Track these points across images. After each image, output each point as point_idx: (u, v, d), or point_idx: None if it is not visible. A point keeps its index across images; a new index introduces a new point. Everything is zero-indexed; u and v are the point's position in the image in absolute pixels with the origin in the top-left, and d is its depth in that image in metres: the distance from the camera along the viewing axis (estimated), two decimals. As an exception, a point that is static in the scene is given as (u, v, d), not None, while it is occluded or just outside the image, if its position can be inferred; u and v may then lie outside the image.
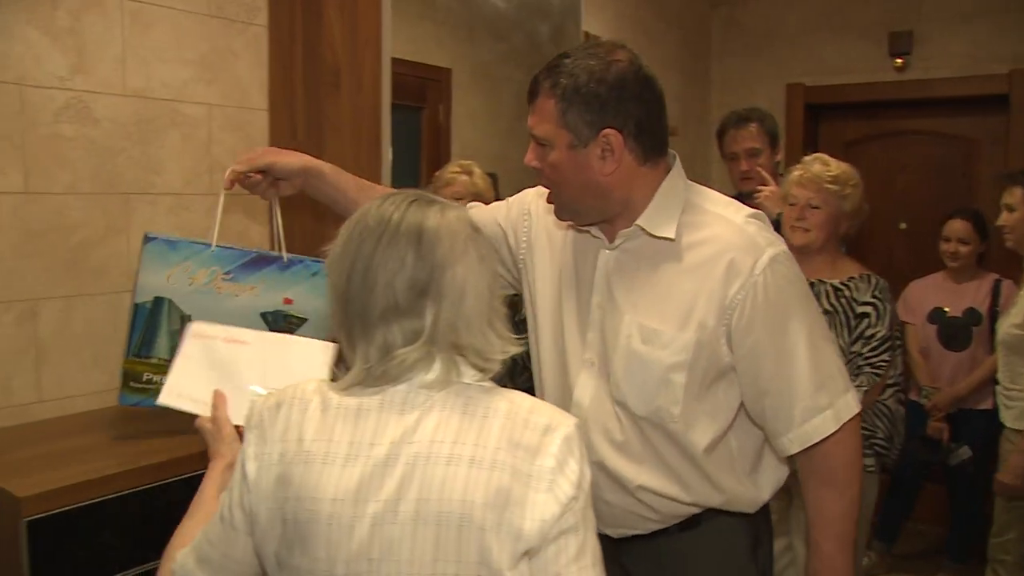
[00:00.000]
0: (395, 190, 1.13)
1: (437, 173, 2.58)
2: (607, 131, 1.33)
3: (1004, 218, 2.88)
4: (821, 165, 2.27)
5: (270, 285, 1.70)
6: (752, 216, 1.42)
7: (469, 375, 1.08)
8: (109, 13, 1.90)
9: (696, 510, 1.47)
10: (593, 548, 1.06)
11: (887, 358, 2.18)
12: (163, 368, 1.58)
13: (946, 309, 3.45)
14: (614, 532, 1.51)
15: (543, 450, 1.03)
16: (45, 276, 1.85)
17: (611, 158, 1.35)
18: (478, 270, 1.07)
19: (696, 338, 1.37)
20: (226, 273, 1.67)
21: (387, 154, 1.99)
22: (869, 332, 2.17)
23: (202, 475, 1.26)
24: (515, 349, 1.11)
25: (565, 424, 1.06)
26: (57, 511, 1.44)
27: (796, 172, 2.28)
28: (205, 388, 1.34)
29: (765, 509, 1.53)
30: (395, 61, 2.05)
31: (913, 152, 4.37)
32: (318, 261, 1.72)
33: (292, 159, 1.65)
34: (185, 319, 1.63)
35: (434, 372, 1.06)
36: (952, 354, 3.43)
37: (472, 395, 1.06)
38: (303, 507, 1.03)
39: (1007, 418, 2.87)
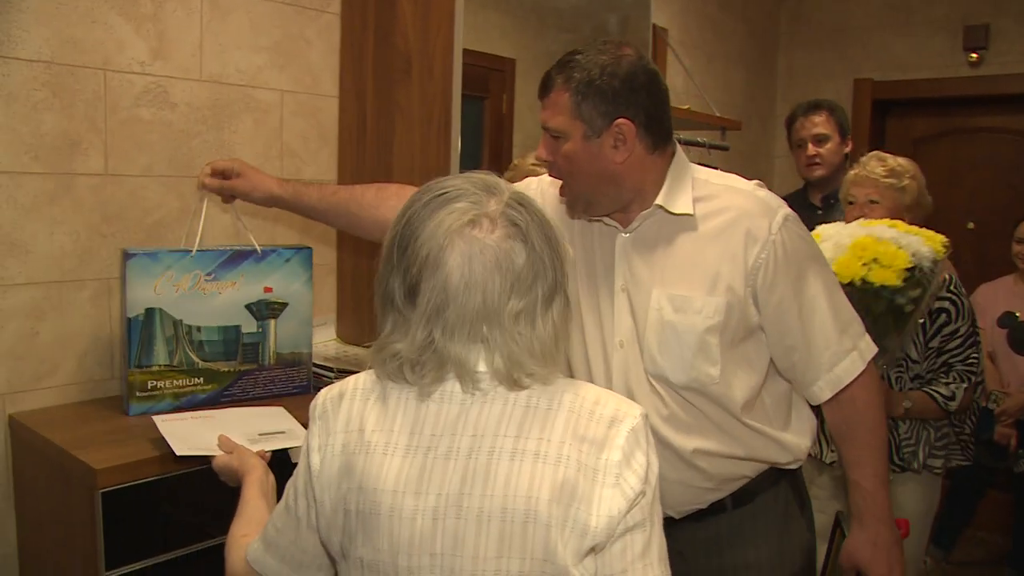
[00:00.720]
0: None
1: (517, 161, 2.58)
2: (620, 121, 1.40)
3: None
4: (877, 161, 2.25)
5: (250, 277, 1.82)
6: (757, 183, 1.51)
7: (530, 366, 1.04)
8: (190, 1, 1.95)
9: (749, 471, 1.53)
10: (659, 544, 1.05)
11: (976, 354, 2.13)
12: (165, 375, 1.74)
13: (1017, 313, 3.36)
14: (674, 512, 1.52)
15: (609, 443, 1.01)
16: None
17: (623, 147, 1.42)
18: (499, 286, 1.02)
19: (727, 300, 1.43)
20: (208, 274, 1.77)
21: (456, 143, 2.00)
22: (950, 329, 2.12)
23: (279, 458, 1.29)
24: (560, 353, 1.07)
25: (632, 415, 1.04)
26: (130, 484, 1.48)
27: (853, 172, 2.27)
28: (203, 440, 1.49)
29: (799, 469, 1.61)
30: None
31: (984, 150, 4.25)
32: (288, 248, 1.89)
33: (258, 192, 1.74)
34: (177, 324, 1.74)
35: (494, 363, 1.03)
36: (1022, 359, 3.34)
37: (535, 387, 1.04)
38: (365, 498, 1.03)
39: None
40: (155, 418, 1.60)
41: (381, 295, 1.07)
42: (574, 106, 1.40)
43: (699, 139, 3.09)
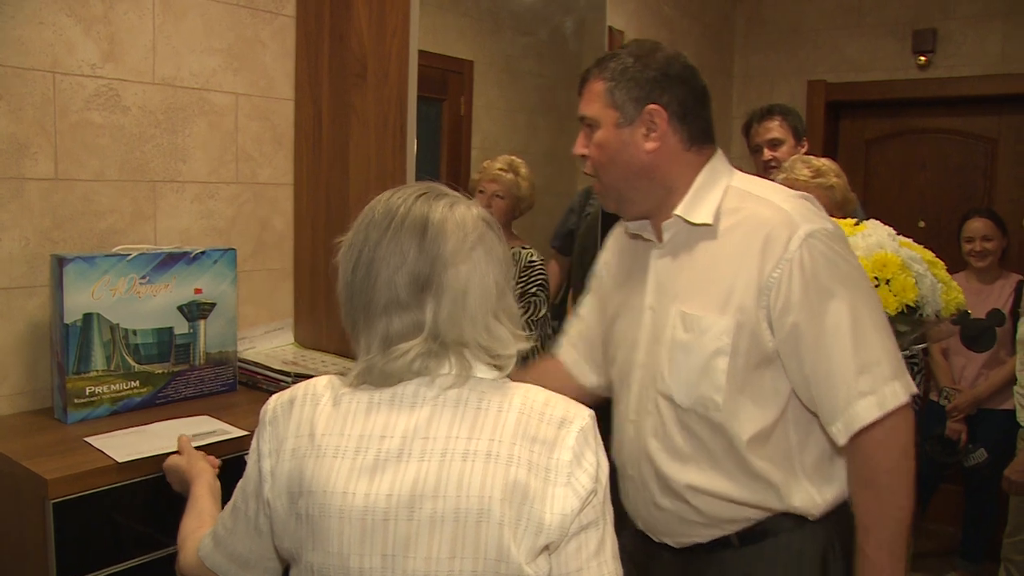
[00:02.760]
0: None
1: (485, 164, 2.59)
2: (652, 107, 1.38)
3: None
4: (802, 164, 2.31)
5: (181, 280, 1.85)
6: (797, 197, 1.40)
7: (482, 371, 1.07)
8: (141, 2, 1.92)
9: (752, 514, 1.41)
10: (612, 542, 1.08)
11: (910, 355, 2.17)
12: (103, 380, 1.74)
13: (969, 310, 3.44)
14: (673, 541, 1.49)
15: (560, 443, 1.03)
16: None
17: (654, 135, 1.39)
18: (484, 265, 1.06)
19: (736, 321, 1.34)
20: (142, 278, 1.78)
21: (412, 146, 2.00)
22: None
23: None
24: (525, 345, 1.10)
25: (580, 416, 1.06)
26: (82, 494, 1.46)
27: (781, 177, 2.30)
28: (140, 447, 1.53)
29: (842, 516, 1.42)
30: (418, 53, 2.05)
31: (934, 151, 4.35)
32: (216, 250, 1.92)
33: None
34: (114, 328, 1.74)
35: (445, 368, 1.06)
36: (974, 355, 3.42)
37: (485, 390, 1.06)
38: (315, 501, 1.03)
39: (1023, 418, 2.87)
40: (88, 439, 1.59)
41: (373, 301, 1.06)
42: (607, 93, 1.40)
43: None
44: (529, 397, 1.07)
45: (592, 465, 1.04)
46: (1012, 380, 3.04)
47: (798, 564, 1.41)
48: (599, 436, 1.08)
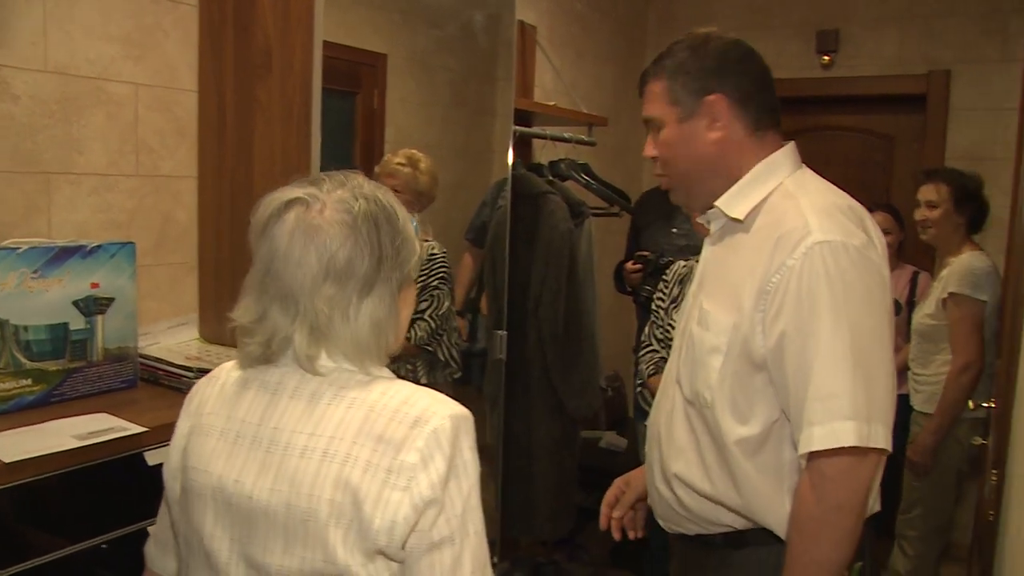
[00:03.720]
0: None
1: (386, 158, 2.59)
2: (711, 97, 1.38)
3: (924, 213, 3.00)
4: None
5: (77, 274, 1.80)
6: (835, 206, 1.33)
7: (346, 364, 1.05)
8: (30, -13, 1.86)
9: (731, 521, 1.39)
10: (473, 554, 1.01)
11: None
12: None
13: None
14: (666, 526, 1.52)
15: (408, 444, 0.98)
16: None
17: (717, 125, 1.39)
18: (315, 265, 1.02)
19: (733, 322, 1.33)
20: (34, 272, 1.73)
21: (316, 138, 1.99)
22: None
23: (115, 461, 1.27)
24: (391, 349, 1.08)
25: (439, 416, 1.01)
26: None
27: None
28: (29, 446, 1.48)
29: None
30: (329, 45, 2.04)
31: (837, 147, 4.50)
32: (113, 244, 1.87)
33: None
34: (3, 324, 1.69)
35: (306, 340, 1.03)
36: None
37: (345, 383, 1.04)
38: (190, 477, 1.08)
39: (916, 401, 3.02)
40: None
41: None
42: (667, 91, 1.40)
43: (565, 135, 3.16)
44: (388, 394, 1.03)
45: (439, 473, 0.98)
46: (907, 367, 3.17)
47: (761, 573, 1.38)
48: (462, 440, 1.02)
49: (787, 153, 1.43)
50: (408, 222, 1.10)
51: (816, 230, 1.27)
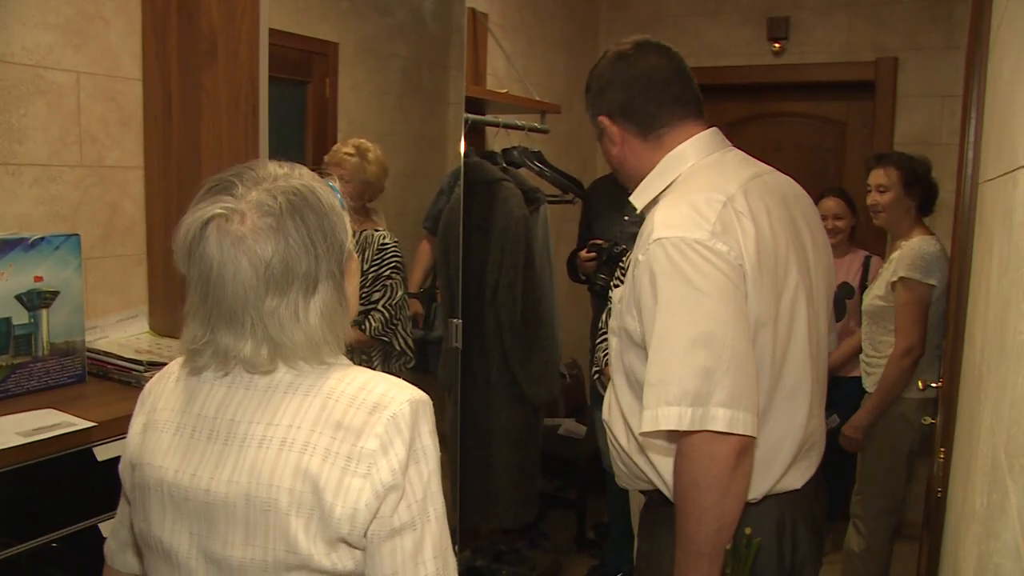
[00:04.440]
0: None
1: (335, 147, 2.56)
2: (600, 119, 1.57)
3: (875, 197, 3.05)
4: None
5: (19, 267, 1.76)
6: (691, 198, 1.40)
7: (296, 356, 1.03)
8: (-37, -28, 1.80)
9: (636, 481, 1.54)
10: (434, 539, 1.01)
11: None
12: None
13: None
14: (619, 481, 1.62)
15: (367, 431, 0.98)
16: None
17: (615, 140, 1.56)
18: (252, 277, 0.99)
19: (620, 309, 1.48)
20: None
21: (264, 127, 1.96)
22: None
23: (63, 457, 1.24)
24: (347, 325, 1.07)
25: (398, 401, 1.00)
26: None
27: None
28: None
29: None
30: (278, 34, 2.01)
31: (788, 133, 4.56)
32: (57, 236, 1.83)
33: None
34: None
35: (260, 352, 1.01)
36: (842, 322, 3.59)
37: (303, 372, 1.03)
38: (142, 472, 1.07)
39: (867, 383, 3.07)
40: None
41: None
42: (589, 113, 1.61)
43: (518, 122, 3.16)
44: (345, 381, 1.02)
45: (399, 458, 0.98)
46: (859, 349, 3.23)
47: (657, 537, 1.52)
48: (422, 425, 1.01)
49: (697, 142, 1.52)
50: (332, 198, 1.06)
51: (660, 226, 1.36)
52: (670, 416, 1.29)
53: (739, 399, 1.29)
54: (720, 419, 1.28)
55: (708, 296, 1.31)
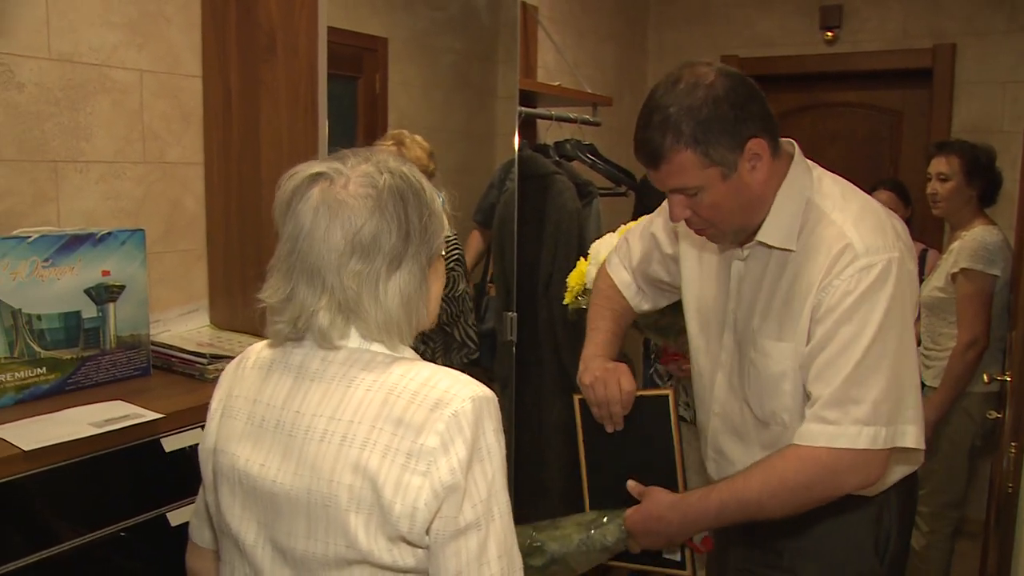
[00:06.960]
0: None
1: (378, 143, 2.57)
2: (751, 143, 1.34)
3: (936, 187, 2.98)
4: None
5: (87, 262, 1.79)
6: (867, 220, 1.39)
7: (378, 345, 1.04)
8: (32, -26, 1.84)
9: None
10: (499, 538, 1.00)
11: None
12: (7, 367, 1.67)
13: None
14: None
15: (428, 428, 0.96)
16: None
17: (760, 164, 1.36)
18: (341, 241, 1.00)
19: (792, 347, 1.39)
20: (45, 261, 1.72)
21: (323, 122, 1.97)
22: None
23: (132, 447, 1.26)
24: (423, 324, 1.08)
25: (460, 398, 0.98)
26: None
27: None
28: (48, 433, 1.47)
29: (896, 494, 1.52)
30: (330, 30, 2.02)
31: (842, 123, 4.48)
32: (123, 231, 1.86)
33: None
34: (16, 314, 1.68)
35: (334, 318, 1.02)
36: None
37: (367, 364, 1.02)
38: (219, 460, 1.09)
39: (927, 377, 3.00)
40: None
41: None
42: (701, 157, 1.32)
43: (570, 115, 3.14)
44: (408, 376, 1.01)
45: (459, 457, 0.96)
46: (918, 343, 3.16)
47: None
48: (485, 423, 0.99)
49: (798, 164, 1.43)
50: (436, 197, 1.08)
51: (863, 252, 1.33)
52: (865, 435, 1.31)
53: (918, 412, 1.35)
54: (910, 436, 1.33)
55: (905, 315, 1.35)
